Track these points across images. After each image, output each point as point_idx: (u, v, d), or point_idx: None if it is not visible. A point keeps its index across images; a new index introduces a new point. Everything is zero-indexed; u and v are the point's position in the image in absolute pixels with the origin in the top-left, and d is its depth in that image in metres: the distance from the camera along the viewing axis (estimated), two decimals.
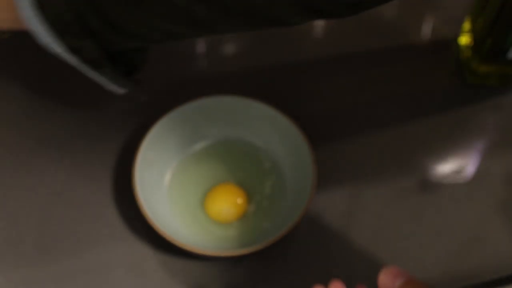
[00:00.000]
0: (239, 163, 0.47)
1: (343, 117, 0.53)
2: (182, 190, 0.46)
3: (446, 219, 0.46)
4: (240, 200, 0.44)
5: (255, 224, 0.44)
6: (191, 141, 0.48)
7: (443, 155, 0.51)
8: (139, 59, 0.41)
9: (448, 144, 0.51)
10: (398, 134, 0.52)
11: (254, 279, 0.43)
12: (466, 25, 0.58)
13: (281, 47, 0.59)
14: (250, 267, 0.43)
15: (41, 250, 0.43)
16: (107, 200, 0.46)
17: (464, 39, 0.58)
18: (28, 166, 0.48)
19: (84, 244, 0.44)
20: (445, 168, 0.50)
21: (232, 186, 0.45)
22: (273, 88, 0.55)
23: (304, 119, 0.48)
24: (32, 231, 0.44)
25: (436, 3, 0.65)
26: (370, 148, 0.51)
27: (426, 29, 0.62)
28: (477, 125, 0.53)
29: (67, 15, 0.33)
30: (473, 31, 0.55)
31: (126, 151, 0.49)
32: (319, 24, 0.63)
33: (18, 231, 0.44)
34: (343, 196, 0.47)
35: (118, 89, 0.39)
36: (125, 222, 0.45)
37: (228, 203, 0.44)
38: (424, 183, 0.48)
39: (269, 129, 0.47)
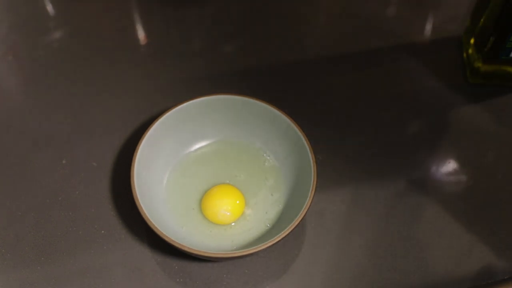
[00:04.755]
0: (239, 163, 0.47)
1: (343, 117, 0.53)
2: (180, 191, 0.45)
3: (447, 220, 0.46)
4: (238, 201, 0.44)
5: (254, 225, 0.44)
6: (190, 141, 0.48)
7: (444, 155, 0.50)
8: None
9: (449, 144, 0.51)
10: (399, 133, 0.52)
11: (254, 281, 0.42)
12: (468, 24, 0.58)
13: (281, 47, 0.59)
14: (250, 268, 0.43)
15: (38, 250, 0.43)
16: (105, 200, 0.46)
17: (466, 38, 0.57)
18: (26, 166, 0.48)
19: (82, 245, 0.44)
20: (447, 168, 0.49)
21: (230, 187, 0.45)
22: (273, 88, 0.55)
23: (304, 119, 0.48)
24: (30, 232, 0.44)
25: (438, 2, 0.65)
26: (370, 148, 0.50)
27: (428, 28, 0.62)
28: (479, 125, 0.53)
29: None
30: (475, 30, 0.55)
31: (124, 151, 0.49)
32: (319, 24, 0.63)
33: (15, 232, 0.44)
34: (343, 196, 0.47)
35: None
36: (123, 223, 0.45)
37: (226, 204, 0.44)
38: (425, 183, 0.48)
39: (269, 129, 0.47)
